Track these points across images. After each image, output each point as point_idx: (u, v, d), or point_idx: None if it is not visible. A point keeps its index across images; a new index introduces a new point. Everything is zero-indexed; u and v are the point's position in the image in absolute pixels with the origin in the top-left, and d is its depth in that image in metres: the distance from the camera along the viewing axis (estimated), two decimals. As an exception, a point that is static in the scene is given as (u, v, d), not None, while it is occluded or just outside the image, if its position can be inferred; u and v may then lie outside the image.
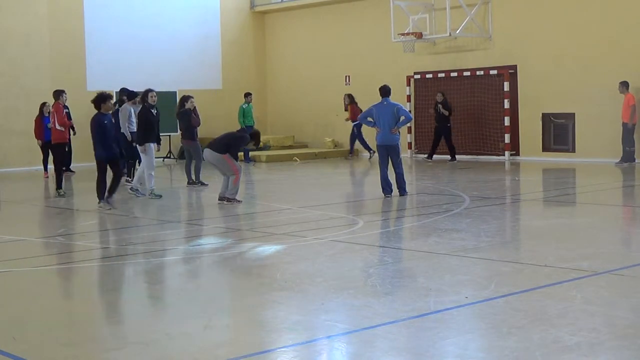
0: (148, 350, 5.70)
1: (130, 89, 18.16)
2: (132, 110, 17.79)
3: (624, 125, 18.99)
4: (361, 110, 22.39)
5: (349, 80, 25.38)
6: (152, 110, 14.97)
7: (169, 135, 23.95)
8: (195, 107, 16.67)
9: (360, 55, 24.83)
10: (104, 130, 13.11)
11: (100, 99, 13.22)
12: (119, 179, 13.52)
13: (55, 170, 15.81)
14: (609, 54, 19.79)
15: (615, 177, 17.13)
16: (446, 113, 21.59)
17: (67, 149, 17.02)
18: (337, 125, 25.44)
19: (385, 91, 13.78)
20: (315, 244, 9.70)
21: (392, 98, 14.00)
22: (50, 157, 18.95)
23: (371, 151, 22.67)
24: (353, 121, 22.94)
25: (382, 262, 8.67)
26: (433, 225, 10.79)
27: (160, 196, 14.59)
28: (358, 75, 24.97)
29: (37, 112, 19.51)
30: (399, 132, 13.84)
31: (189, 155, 16.70)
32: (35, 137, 19.42)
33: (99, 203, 13.22)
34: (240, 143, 14.02)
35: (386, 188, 13.73)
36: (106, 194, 13.22)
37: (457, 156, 22.00)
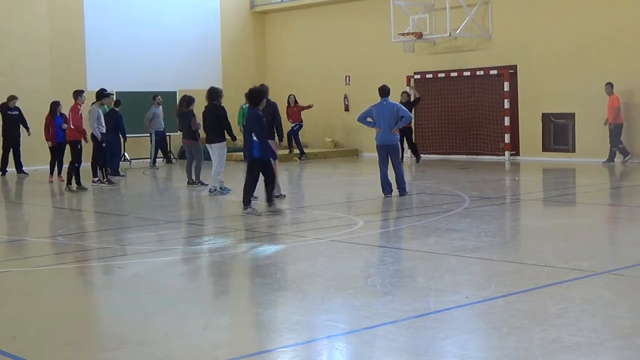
0: (148, 350, 5.70)
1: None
2: (100, 112, 17.69)
3: (610, 125, 19.30)
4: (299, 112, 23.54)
5: (349, 80, 25.38)
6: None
7: (169, 135, 23.95)
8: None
9: (360, 55, 24.82)
10: (264, 127, 11.99)
11: (261, 95, 12.11)
12: (273, 182, 12.19)
13: (70, 167, 15.83)
14: (609, 54, 19.79)
15: (615, 177, 17.13)
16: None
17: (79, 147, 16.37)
18: (337, 125, 25.45)
19: (384, 91, 13.77)
20: (315, 244, 9.69)
21: (393, 98, 14.00)
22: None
23: (304, 155, 23.45)
24: (294, 122, 23.63)
25: (382, 262, 8.67)
26: (433, 225, 10.78)
27: (230, 190, 14.84)
28: (358, 75, 24.97)
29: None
30: (399, 132, 13.85)
31: (189, 155, 16.70)
32: (45, 138, 18.02)
33: (244, 209, 12.02)
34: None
35: (386, 188, 13.73)
36: (266, 202, 12.03)
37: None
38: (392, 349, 5.57)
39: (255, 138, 11.88)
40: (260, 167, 12.02)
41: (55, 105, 17.75)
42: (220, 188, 14.90)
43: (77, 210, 14.22)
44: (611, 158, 19.38)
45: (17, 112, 20.32)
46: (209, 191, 14.98)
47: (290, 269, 8.33)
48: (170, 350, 5.68)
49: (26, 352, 5.72)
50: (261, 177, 12.13)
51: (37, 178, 19.68)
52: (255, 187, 12.18)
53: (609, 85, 19.21)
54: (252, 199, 12.22)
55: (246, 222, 12.08)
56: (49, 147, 18.03)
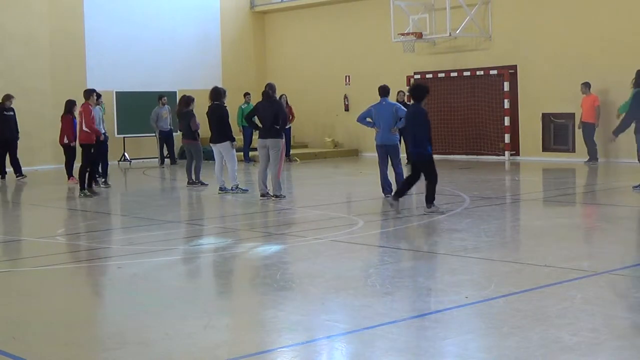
0: (148, 350, 5.70)
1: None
2: (94, 113, 17.53)
3: (589, 125, 19.40)
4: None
5: (349, 80, 25.38)
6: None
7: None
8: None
9: (360, 55, 24.82)
10: (429, 123, 11.79)
11: (425, 91, 11.87)
12: (434, 181, 11.82)
13: (81, 171, 15.13)
14: (609, 54, 19.79)
15: (614, 177, 17.12)
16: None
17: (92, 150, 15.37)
18: (337, 125, 25.45)
19: (384, 91, 13.77)
20: (315, 244, 9.69)
21: (392, 98, 13.99)
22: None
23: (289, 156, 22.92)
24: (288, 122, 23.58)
25: (382, 262, 8.67)
26: (433, 225, 10.78)
27: (247, 190, 14.98)
28: (358, 75, 24.97)
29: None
30: (399, 131, 13.85)
31: (189, 155, 16.69)
32: (67, 138, 17.06)
33: (427, 207, 11.66)
34: (283, 111, 14.05)
35: (386, 188, 13.72)
36: (425, 203, 11.68)
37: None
38: (392, 349, 5.57)
39: (419, 136, 11.69)
40: (421, 166, 11.85)
41: (71, 104, 16.93)
42: (237, 187, 14.93)
43: (77, 210, 14.20)
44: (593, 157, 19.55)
45: (12, 113, 19.43)
46: (231, 189, 14.94)
47: (290, 269, 8.33)
48: (170, 350, 5.68)
49: (26, 352, 5.72)
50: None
51: (38, 178, 19.68)
52: (411, 186, 11.99)
53: (586, 85, 19.44)
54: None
55: (246, 221, 12.09)
56: (66, 148, 17.40)
